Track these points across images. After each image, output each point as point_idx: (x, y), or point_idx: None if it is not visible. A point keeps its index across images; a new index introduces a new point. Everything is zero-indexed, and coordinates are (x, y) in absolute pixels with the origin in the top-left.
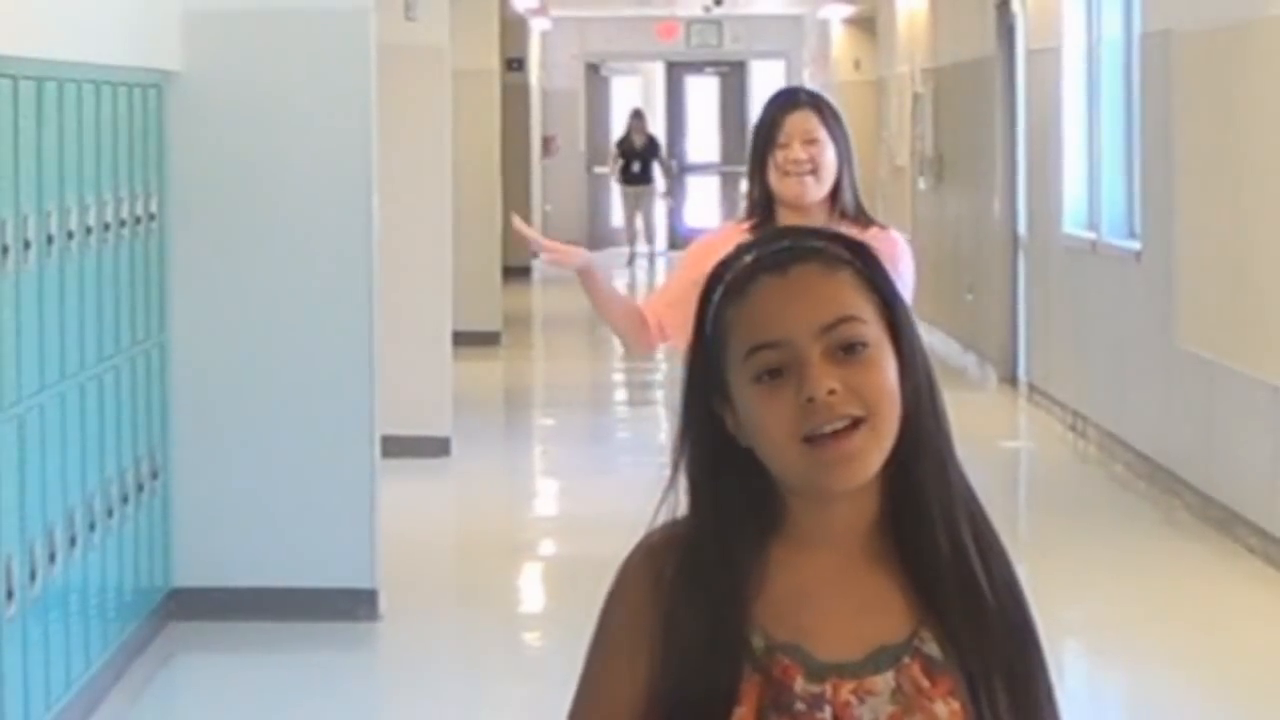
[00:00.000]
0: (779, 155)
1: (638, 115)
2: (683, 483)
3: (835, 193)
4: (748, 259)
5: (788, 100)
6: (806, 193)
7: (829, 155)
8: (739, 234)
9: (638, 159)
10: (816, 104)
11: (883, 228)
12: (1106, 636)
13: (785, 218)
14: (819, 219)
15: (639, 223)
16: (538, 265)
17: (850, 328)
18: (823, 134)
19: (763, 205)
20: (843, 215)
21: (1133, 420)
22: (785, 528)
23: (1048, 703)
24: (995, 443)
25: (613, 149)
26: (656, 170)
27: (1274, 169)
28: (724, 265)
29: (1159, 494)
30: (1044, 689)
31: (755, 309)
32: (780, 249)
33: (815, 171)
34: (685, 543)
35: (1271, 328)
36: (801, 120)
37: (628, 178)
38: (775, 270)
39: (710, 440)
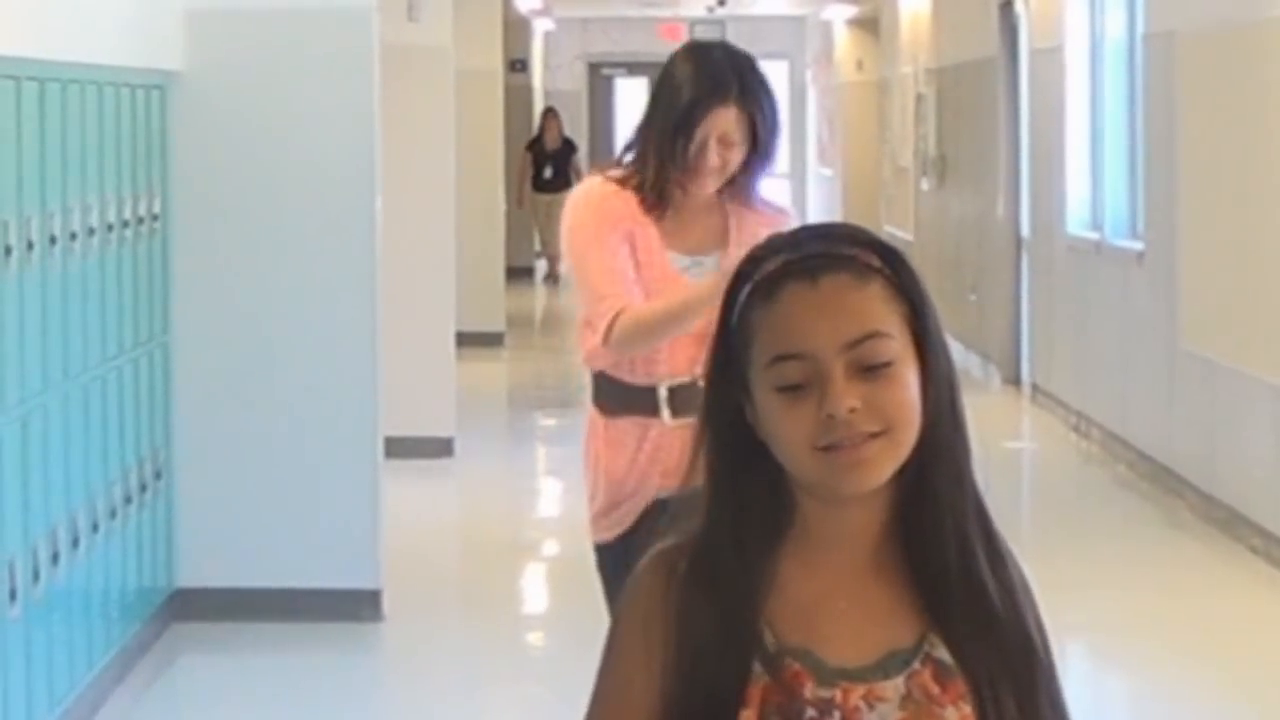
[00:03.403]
0: (691, 150)
1: (551, 114)
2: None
3: (733, 177)
4: (778, 260)
5: (719, 91)
6: (710, 188)
7: (738, 156)
8: (622, 196)
9: (550, 163)
10: (744, 100)
11: (782, 211)
12: (1109, 637)
13: (677, 199)
14: (707, 197)
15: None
16: (541, 266)
17: (875, 345)
18: (739, 135)
19: (655, 185)
20: (734, 196)
21: (1136, 421)
22: (797, 529)
23: (1054, 711)
24: (998, 443)
25: (523, 152)
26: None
27: (1278, 170)
28: (751, 261)
29: (1162, 495)
30: (1051, 697)
31: (781, 317)
32: (811, 254)
33: (723, 171)
34: (698, 540)
35: (1275, 328)
36: (725, 120)
37: (540, 184)
38: (804, 278)
39: (730, 430)
